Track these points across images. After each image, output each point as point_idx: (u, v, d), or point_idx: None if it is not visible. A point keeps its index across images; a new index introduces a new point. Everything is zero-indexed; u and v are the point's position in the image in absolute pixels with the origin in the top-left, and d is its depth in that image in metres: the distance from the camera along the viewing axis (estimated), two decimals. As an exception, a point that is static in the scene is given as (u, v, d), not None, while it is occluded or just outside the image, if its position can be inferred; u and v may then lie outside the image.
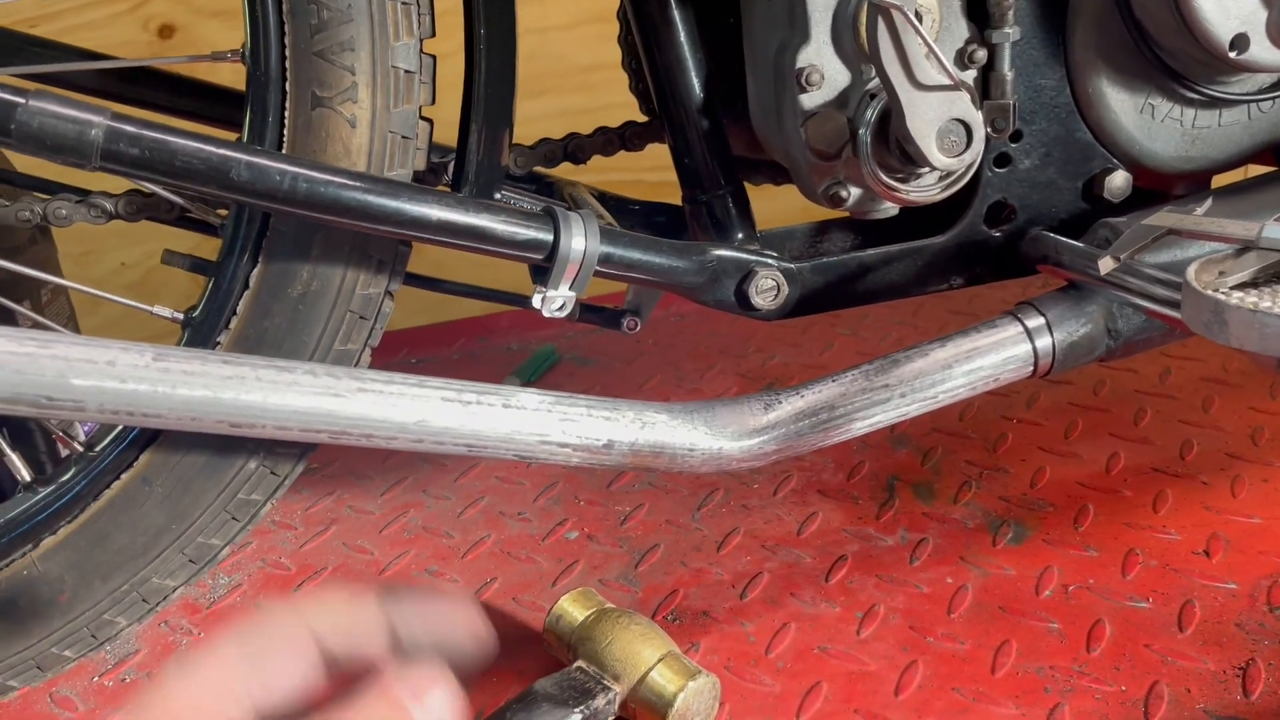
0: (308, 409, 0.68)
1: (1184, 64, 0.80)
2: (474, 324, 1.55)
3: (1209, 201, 0.77)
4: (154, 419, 0.65)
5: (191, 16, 1.59)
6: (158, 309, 0.77)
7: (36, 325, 1.01)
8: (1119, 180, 0.84)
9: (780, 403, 0.79)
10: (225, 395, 0.66)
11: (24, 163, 0.95)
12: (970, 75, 0.77)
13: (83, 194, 0.87)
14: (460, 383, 0.73)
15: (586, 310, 0.97)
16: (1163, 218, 0.71)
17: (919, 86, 0.71)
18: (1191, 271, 0.64)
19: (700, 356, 1.38)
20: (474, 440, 0.72)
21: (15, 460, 0.81)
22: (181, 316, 0.78)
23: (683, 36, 0.82)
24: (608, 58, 1.66)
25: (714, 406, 0.79)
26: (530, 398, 0.74)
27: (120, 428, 0.79)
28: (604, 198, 0.97)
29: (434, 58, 0.76)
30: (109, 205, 0.86)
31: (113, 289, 1.56)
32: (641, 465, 0.78)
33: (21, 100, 0.61)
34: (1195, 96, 0.82)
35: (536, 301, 0.78)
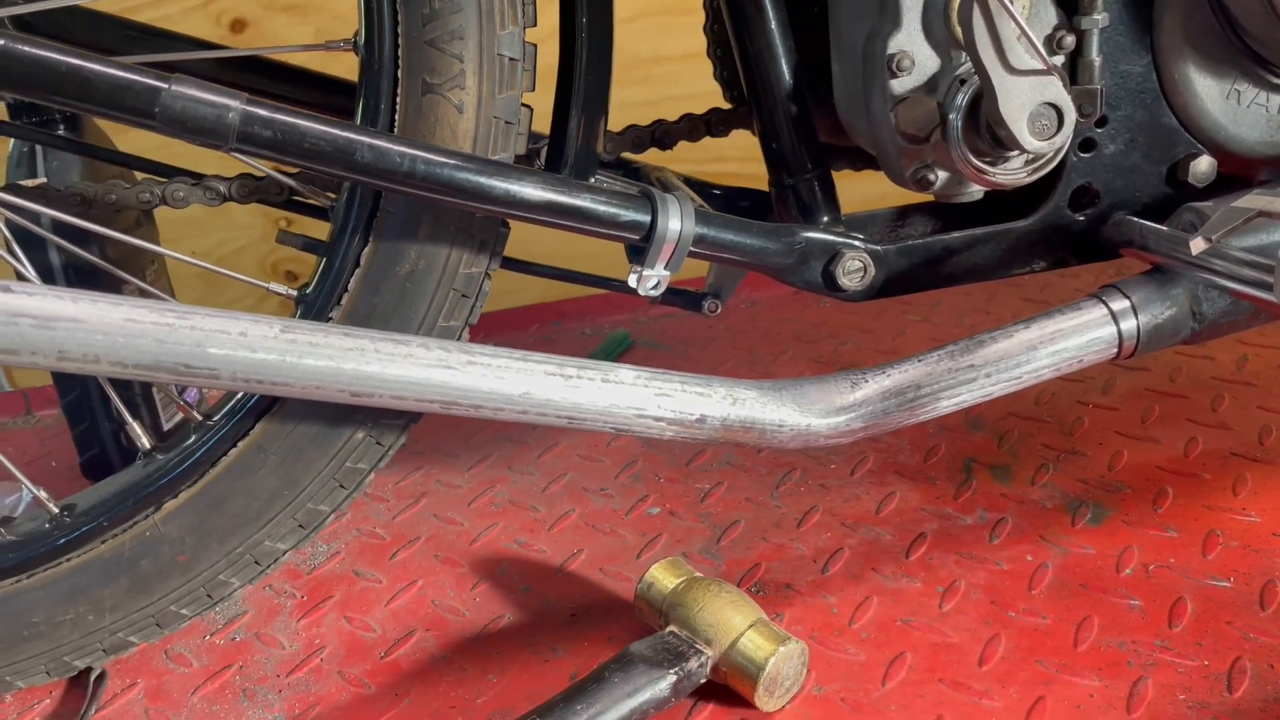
0: (422, 380, 0.72)
1: (1271, 50, 0.81)
2: (548, 309, 1.58)
3: (1298, 185, 0.78)
4: (281, 387, 0.69)
5: (262, 11, 1.64)
6: (273, 285, 0.81)
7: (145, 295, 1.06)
8: (1204, 165, 0.85)
9: (867, 381, 0.81)
10: (347, 366, 0.70)
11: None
12: (1059, 60, 0.79)
13: (198, 177, 0.92)
14: (561, 358, 0.76)
15: (668, 293, 0.99)
16: (1252, 200, 0.72)
17: (1011, 71, 0.73)
18: (1284, 252, 0.65)
19: (773, 341, 1.41)
20: (574, 413, 0.75)
21: (136, 428, 0.86)
22: (295, 293, 0.82)
23: (773, 24, 0.84)
24: (668, 50, 1.68)
25: (802, 384, 0.82)
26: (627, 373, 0.77)
27: (238, 398, 0.83)
28: (689, 182, 0.99)
29: (535, 45, 0.79)
30: (223, 188, 0.91)
31: (187, 275, 1.61)
32: (732, 440, 0.80)
33: (165, 85, 0.65)
34: (1282, 82, 0.83)
35: (633, 281, 0.80)
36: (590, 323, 1.54)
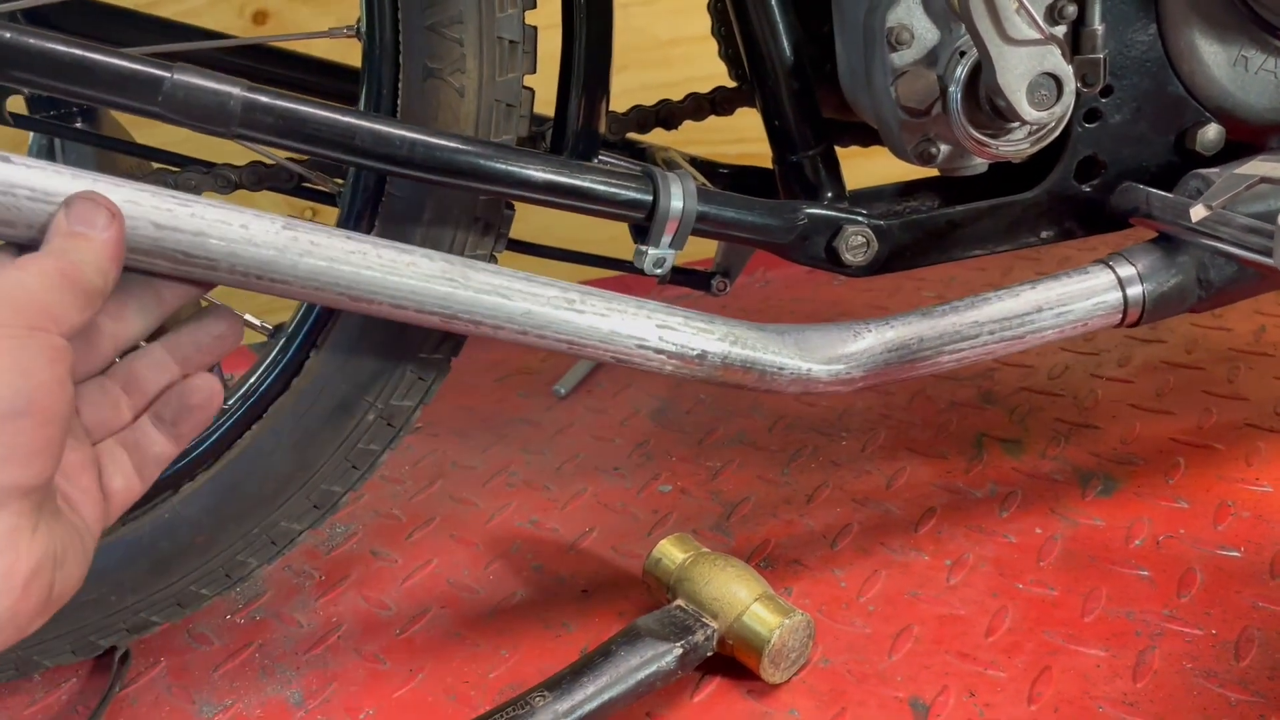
0: (422, 290, 0.70)
1: (1278, 15, 0.80)
2: (564, 292, 1.59)
3: (1303, 150, 0.77)
4: (280, 285, 0.66)
5: (284, 3, 1.64)
6: (283, 270, 0.82)
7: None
8: (1211, 133, 0.85)
9: (870, 331, 0.81)
10: (346, 268, 0.68)
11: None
12: (1060, 30, 0.78)
13: (209, 166, 0.93)
14: (566, 283, 0.75)
15: (677, 272, 1.00)
16: (1255, 166, 0.72)
17: (1009, 41, 0.72)
18: (1284, 217, 0.65)
19: (786, 320, 1.40)
20: (575, 337, 0.74)
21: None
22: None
23: (774, 1, 0.84)
24: (687, 32, 1.67)
25: (805, 330, 0.82)
26: (631, 303, 0.76)
27: (250, 383, 0.84)
28: (695, 162, 1.00)
29: (535, 28, 0.79)
30: (233, 176, 0.92)
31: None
32: (731, 380, 0.79)
33: (168, 74, 0.66)
34: (1290, 48, 0.82)
35: (638, 261, 0.81)
36: (606, 305, 1.54)
